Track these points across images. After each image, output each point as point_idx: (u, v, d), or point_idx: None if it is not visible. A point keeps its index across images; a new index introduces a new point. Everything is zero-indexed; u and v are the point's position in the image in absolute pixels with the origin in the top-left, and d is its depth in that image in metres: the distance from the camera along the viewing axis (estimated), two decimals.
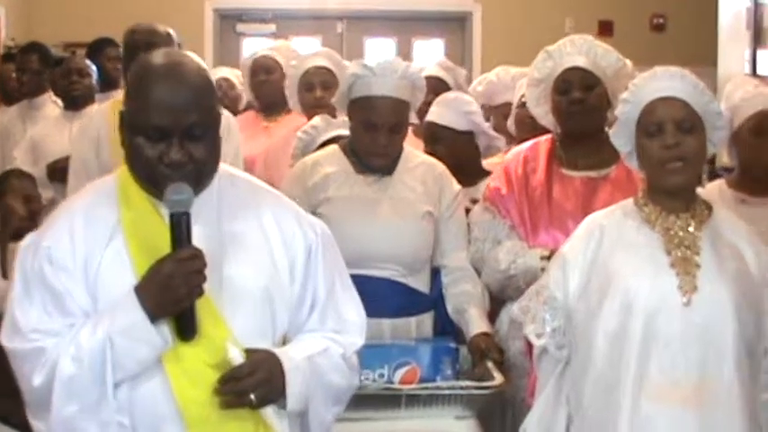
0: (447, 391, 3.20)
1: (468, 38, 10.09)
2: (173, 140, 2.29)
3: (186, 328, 2.29)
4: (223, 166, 2.48)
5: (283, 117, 5.47)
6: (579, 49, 3.61)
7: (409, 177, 3.69)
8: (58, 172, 5.04)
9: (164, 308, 2.26)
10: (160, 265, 2.26)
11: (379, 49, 9.96)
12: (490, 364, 3.34)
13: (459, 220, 3.75)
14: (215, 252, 2.33)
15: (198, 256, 2.27)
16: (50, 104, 6.10)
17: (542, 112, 3.70)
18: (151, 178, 2.33)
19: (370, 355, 3.21)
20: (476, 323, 3.56)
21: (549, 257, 3.36)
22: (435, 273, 3.75)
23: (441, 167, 3.78)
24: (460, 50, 10.08)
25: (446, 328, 3.69)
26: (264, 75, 5.57)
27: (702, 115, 2.77)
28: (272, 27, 9.92)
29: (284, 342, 2.47)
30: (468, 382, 3.25)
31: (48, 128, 5.79)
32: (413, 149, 3.83)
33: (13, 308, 2.33)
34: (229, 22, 10.03)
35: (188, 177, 2.30)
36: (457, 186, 3.76)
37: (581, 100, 3.54)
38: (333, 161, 3.71)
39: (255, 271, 2.40)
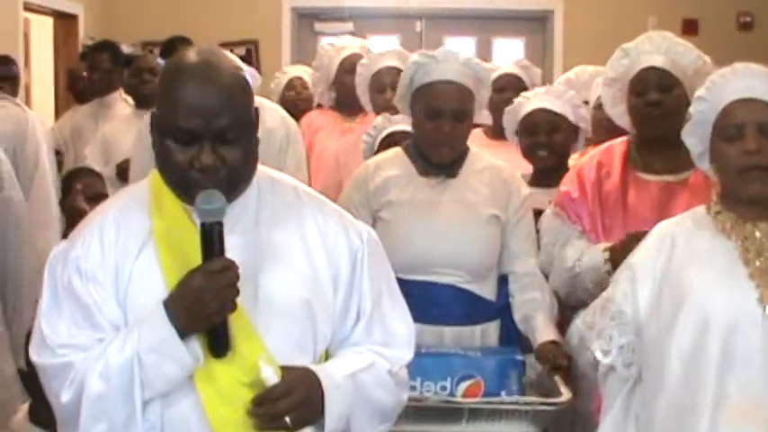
0: (512, 407, 3.06)
1: (549, 37, 9.88)
2: (204, 144, 2.17)
3: (218, 344, 2.18)
4: (263, 170, 2.37)
5: (362, 118, 5.37)
6: (657, 48, 3.43)
7: (475, 180, 3.56)
8: (127, 171, 4.99)
9: (194, 323, 2.15)
10: (190, 279, 2.15)
11: (459, 49, 9.67)
12: (557, 378, 3.19)
13: (528, 226, 3.61)
14: (251, 263, 2.23)
15: (230, 268, 2.15)
16: (121, 103, 6.10)
17: (619, 113, 3.54)
18: (181, 184, 2.22)
19: (433, 366, 3.13)
20: (543, 331, 3.42)
21: (611, 250, 3.26)
22: (503, 280, 3.61)
23: (508, 171, 3.64)
24: (541, 50, 9.89)
25: (512, 337, 3.55)
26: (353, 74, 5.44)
27: None
28: (349, 26, 9.78)
29: (327, 356, 2.36)
30: (533, 398, 3.12)
31: (118, 126, 5.80)
32: (479, 151, 3.69)
33: (41, 321, 2.24)
34: (307, 20, 9.92)
35: (221, 183, 2.18)
36: (526, 190, 3.63)
37: (658, 102, 3.38)
38: (395, 163, 3.60)
39: (295, 283, 2.28)
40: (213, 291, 2.12)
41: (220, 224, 2.15)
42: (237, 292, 2.15)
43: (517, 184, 3.62)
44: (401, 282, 3.33)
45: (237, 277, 2.14)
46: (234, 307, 2.15)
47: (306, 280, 2.29)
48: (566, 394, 3.09)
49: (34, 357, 2.24)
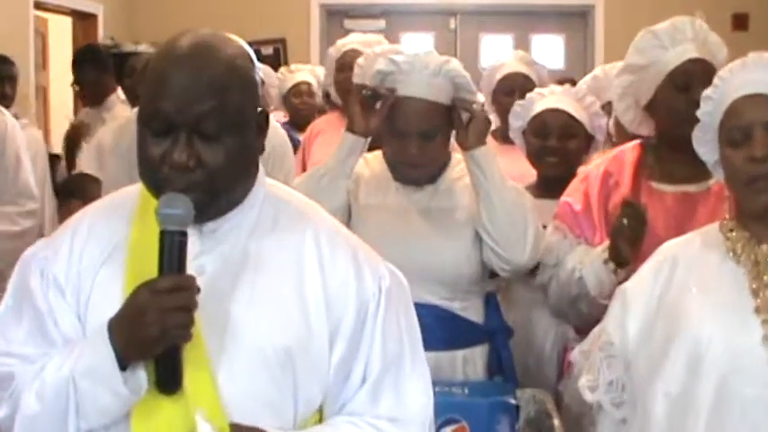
0: None
1: (589, 34, 9.52)
2: (179, 136, 1.84)
3: (165, 378, 1.84)
4: (272, 184, 2.04)
5: None
6: (695, 37, 2.98)
7: (456, 186, 3.16)
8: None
9: (133, 349, 1.82)
10: (135, 295, 1.82)
11: (496, 46, 9.43)
12: (557, 423, 2.79)
13: None
14: (227, 289, 1.90)
15: (184, 288, 1.81)
16: (120, 105, 5.81)
17: (634, 113, 3.07)
18: (152, 182, 1.89)
19: None
20: None
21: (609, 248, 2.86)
22: (491, 299, 3.20)
23: None
24: (582, 47, 9.57)
25: (503, 365, 3.14)
26: (350, 71, 5.04)
27: None
28: (381, 23, 9.52)
29: (321, 418, 1.98)
30: None
31: None
32: (460, 156, 3.25)
33: None
34: (337, 17, 9.66)
35: (194, 187, 1.84)
36: None
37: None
38: (369, 164, 3.22)
39: (276, 323, 1.90)
40: (155, 312, 1.79)
41: (183, 234, 1.83)
42: (191, 319, 1.81)
43: None
44: None
45: (193, 301, 1.81)
46: (186, 336, 1.82)
47: (291, 323, 1.91)
48: None
49: None
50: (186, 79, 1.83)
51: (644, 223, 2.81)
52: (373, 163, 3.22)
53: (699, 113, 2.24)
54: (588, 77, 4.69)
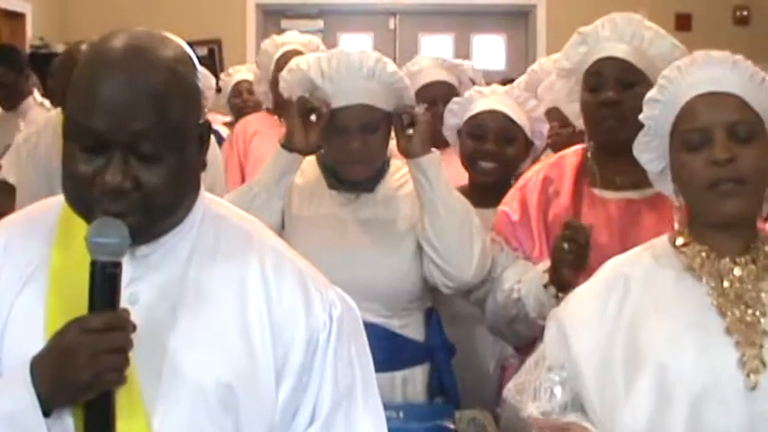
0: None
1: (531, 33, 9.43)
2: (113, 155, 1.63)
3: (95, 426, 1.64)
4: (211, 201, 1.83)
5: None
6: (620, 34, 2.80)
7: (394, 194, 2.97)
8: None
9: (60, 394, 1.62)
10: (63, 334, 1.62)
11: (436, 47, 9.32)
12: None
13: None
14: (163, 321, 1.70)
15: (118, 327, 1.61)
16: (36, 108, 5.59)
17: (575, 112, 2.91)
18: (80, 204, 1.68)
19: None
20: None
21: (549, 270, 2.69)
22: (431, 315, 3.01)
23: None
24: (524, 47, 9.49)
25: (444, 385, 2.95)
26: None
27: (765, 118, 1.99)
28: (319, 23, 9.39)
29: None
30: None
31: None
32: (401, 162, 3.06)
33: None
34: (273, 17, 9.47)
35: (131, 211, 1.65)
36: None
37: (615, 101, 2.74)
38: (304, 171, 3.00)
39: (217, 359, 1.71)
40: (87, 355, 1.59)
41: (116, 265, 1.63)
42: (126, 360, 1.62)
43: None
44: None
45: (129, 341, 1.62)
46: (120, 380, 1.62)
47: (232, 357, 1.72)
48: None
49: None
50: (121, 92, 1.62)
51: (587, 246, 2.64)
52: (306, 170, 3.01)
53: (642, 118, 2.07)
54: (522, 80, 4.49)
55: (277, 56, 4.76)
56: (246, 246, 1.81)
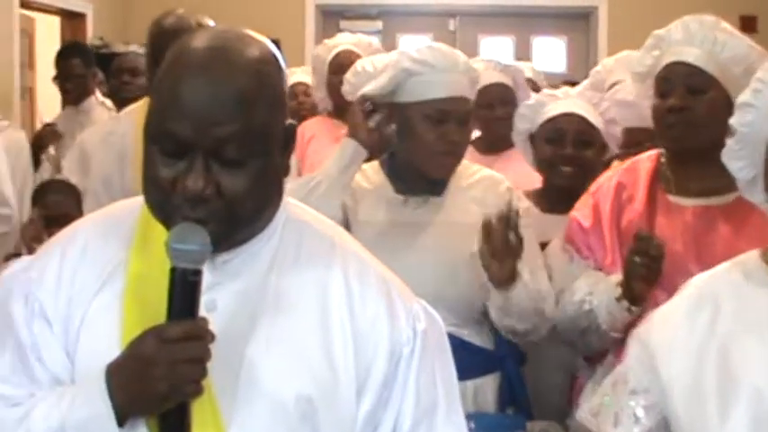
0: None
1: (592, 35, 9.31)
2: (195, 160, 1.57)
3: None
4: (293, 206, 1.77)
5: None
6: (691, 37, 2.72)
7: (464, 198, 2.89)
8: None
9: (136, 404, 1.58)
10: (140, 343, 1.57)
11: (496, 49, 9.28)
12: None
13: (530, 244, 2.84)
14: (242, 330, 1.65)
15: (197, 336, 1.56)
16: (98, 107, 5.59)
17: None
18: (161, 209, 1.63)
19: None
20: None
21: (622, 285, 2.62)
22: None
23: (506, 183, 2.96)
24: (584, 49, 9.38)
25: (515, 395, 2.88)
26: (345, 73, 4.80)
27: None
28: (378, 24, 9.33)
29: None
30: None
31: None
32: (470, 163, 3.01)
33: None
34: (332, 18, 9.42)
35: (213, 218, 1.59)
36: (526, 204, 2.94)
37: (681, 108, 2.68)
38: (370, 176, 2.95)
39: (297, 371, 1.65)
40: (165, 366, 1.54)
41: (196, 273, 1.58)
42: (204, 371, 1.56)
43: (515, 195, 2.92)
44: None
45: (207, 352, 1.57)
46: (198, 391, 1.57)
47: (313, 368, 1.66)
48: None
49: None
50: (204, 96, 1.57)
51: (660, 259, 2.57)
52: (372, 175, 2.96)
53: (735, 123, 1.96)
54: (587, 81, 4.43)
55: (329, 58, 4.74)
56: (329, 252, 1.74)
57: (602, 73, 4.18)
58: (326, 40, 4.90)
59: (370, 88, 2.89)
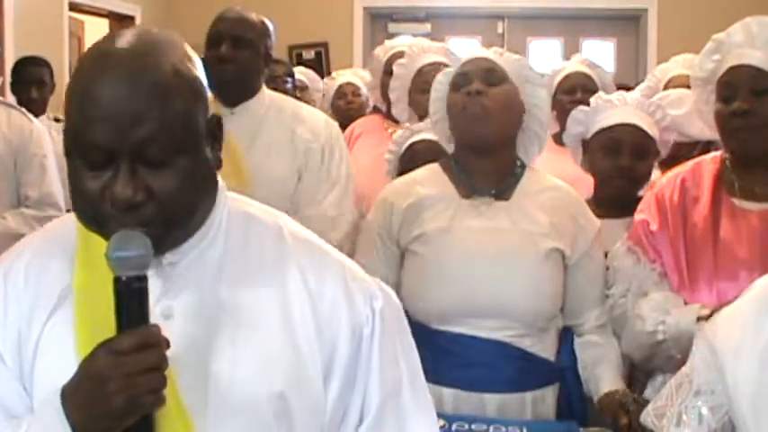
0: None
1: (642, 38, 9.19)
2: (120, 166, 1.51)
3: None
4: (233, 199, 1.71)
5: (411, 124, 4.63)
6: (754, 39, 2.66)
7: (531, 204, 2.80)
8: None
9: (96, 425, 1.50)
10: (92, 359, 1.50)
11: (544, 51, 9.17)
12: None
13: (599, 267, 2.84)
14: (202, 337, 1.60)
15: (151, 344, 1.49)
16: None
17: (711, 121, 2.77)
18: (94, 222, 1.57)
19: None
20: (608, 381, 2.72)
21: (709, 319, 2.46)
22: (567, 333, 2.86)
23: (578, 196, 2.89)
24: (634, 52, 9.26)
25: (573, 405, 2.80)
26: None
27: None
28: (426, 27, 9.26)
29: None
30: None
31: None
32: (539, 169, 2.93)
33: None
34: (380, 21, 9.41)
35: (148, 222, 1.53)
36: (597, 222, 2.86)
37: (746, 111, 2.61)
38: (431, 181, 2.86)
39: (266, 368, 1.62)
40: (120, 379, 1.47)
41: (141, 279, 1.51)
42: (163, 380, 1.50)
43: (588, 212, 2.87)
44: (433, 334, 2.64)
45: (164, 359, 1.50)
46: (158, 401, 1.51)
47: (282, 365, 1.63)
48: None
49: None
50: (118, 98, 1.50)
51: None
52: (434, 179, 2.87)
53: None
54: (644, 84, 4.39)
55: (384, 60, 4.71)
56: (279, 243, 1.71)
57: (659, 76, 4.17)
58: (387, 42, 4.88)
59: None
